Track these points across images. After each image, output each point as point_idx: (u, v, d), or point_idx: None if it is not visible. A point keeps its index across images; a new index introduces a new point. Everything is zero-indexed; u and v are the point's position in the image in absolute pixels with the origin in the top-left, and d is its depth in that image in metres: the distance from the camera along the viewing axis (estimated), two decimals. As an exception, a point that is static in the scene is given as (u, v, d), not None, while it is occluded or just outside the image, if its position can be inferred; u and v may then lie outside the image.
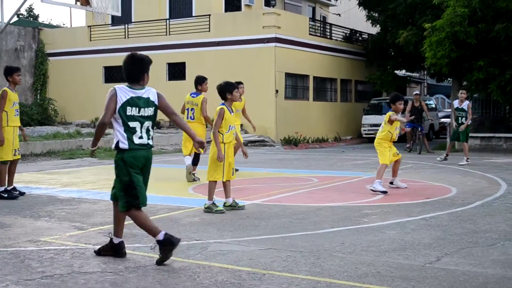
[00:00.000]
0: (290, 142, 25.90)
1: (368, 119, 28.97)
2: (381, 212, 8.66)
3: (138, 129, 5.87)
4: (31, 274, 5.49)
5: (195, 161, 12.68)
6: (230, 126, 8.92)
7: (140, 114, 5.88)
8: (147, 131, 5.97)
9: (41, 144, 20.28)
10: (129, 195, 5.81)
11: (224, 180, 8.84)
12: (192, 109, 12.62)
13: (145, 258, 6.04)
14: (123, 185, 5.84)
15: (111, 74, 31.25)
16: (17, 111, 10.57)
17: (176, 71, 28.80)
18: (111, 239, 6.07)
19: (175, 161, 17.46)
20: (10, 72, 10.82)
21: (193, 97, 12.69)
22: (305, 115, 28.35)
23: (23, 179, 13.19)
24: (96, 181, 12.79)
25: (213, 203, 8.72)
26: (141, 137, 5.89)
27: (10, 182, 10.48)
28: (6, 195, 10.15)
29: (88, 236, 7.21)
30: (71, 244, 6.71)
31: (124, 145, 5.80)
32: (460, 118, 16.59)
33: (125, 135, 5.82)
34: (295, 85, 28.29)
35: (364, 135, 29.26)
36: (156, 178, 12.80)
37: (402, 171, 14.71)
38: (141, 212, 5.93)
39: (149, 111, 5.94)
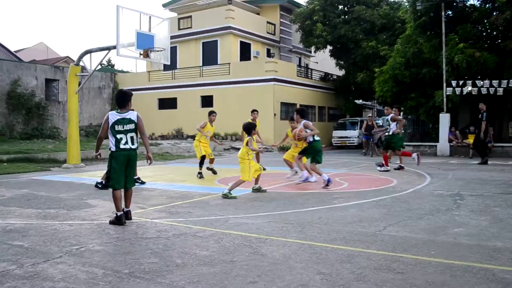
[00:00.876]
0: (284, 149, 25.79)
1: (336, 133, 28.86)
2: (346, 196, 8.66)
3: (123, 138, 6.32)
4: (110, 239, 5.54)
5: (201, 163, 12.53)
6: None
7: (124, 129, 6.34)
8: (132, 139, 6.38)
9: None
10: (108, 179, 6.43)
11: (250, 179, 8.97)
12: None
13: (186, 228, 6.07)
14: (107, 172, 6.45)
15: (163, 104, 31.36)
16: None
17: (207, 101, 28.83)
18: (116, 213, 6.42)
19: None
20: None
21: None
22: (294, 131, 28.34)
23: (99, 175, 13.22)
24: (152, 175, 12.83)
25: (229, 192, 8.65)
26: (125, 143, 6.33)
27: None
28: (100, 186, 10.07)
29: (147, 213, 7.24)
30: (136, 218, 6.73)
31: (113, 148, 6.31)
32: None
33: (113, 142, 6.32)
34: (287, 110, 28.28)
35: (334, 144, 29.18)
36: (191, 173, 12.91)
37: (361, 168, 14.73)
38: (116, 192, 6.36)
39: (130, 126, 6.38)
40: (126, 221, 6.38)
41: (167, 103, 30.98)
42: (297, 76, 29.83)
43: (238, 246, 5.13)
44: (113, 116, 6.35)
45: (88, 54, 16.11)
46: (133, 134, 6.39)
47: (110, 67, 53.18)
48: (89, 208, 7.73)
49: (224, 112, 24.44)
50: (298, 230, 5.86)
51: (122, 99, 6.56)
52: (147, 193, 9.55)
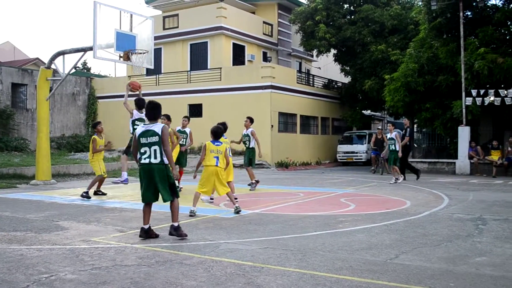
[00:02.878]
0: (282, 165, 25.88)
1: (342, 148, 28.97)
2: (352, 220, 8.64)
3: (147, 151, 6.79)
4: (84, 266, 5.48)
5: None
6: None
7: (148, 141, 6.78)
8: (155, 152, 6.77)
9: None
10: None
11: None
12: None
13: (171, 254, 6.03)
14: None
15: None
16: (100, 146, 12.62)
17: (195, 110, 28.83)
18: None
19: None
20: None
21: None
22: (294, 144, 28.39)
23: (77, 193, 13.17)
24: (133, 194, 12.77)
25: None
26: (148, 157, 6.79)
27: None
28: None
29: (128, 237, 7.19)
30: (114, 243, 6.69)
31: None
32: (390, 145, 16.21)
33: (138, 155, 6.91)
34: (286, 121, 28.37)
35: (339, 160, 29.24)
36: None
37: (369, 188, 14.74)
38: (144, 205, 7.04)
39: (154, 139, 6.77)
40: (112, 246, 6.39)
41: (150, 112, 31.03)
42: (297, 83, 29.94)
43: (231, 275, 5.10)
44: (140, 128, 6.93)
45: (61, 56, 16.12)
46: (157, 147, 6.75)
47: (85, 70, 53.23)
48: (60, 230, 7.67)
49: (214, 122, 24.40)
50: (299, 258, 5.83)
51: (154, 112, 6.98)
52: (127, 214, 9.49)
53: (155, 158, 6.73)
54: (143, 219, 7.00)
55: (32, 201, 11.14)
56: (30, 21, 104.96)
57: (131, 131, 12.26)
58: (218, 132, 9.26)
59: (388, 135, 16.56)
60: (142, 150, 6.79)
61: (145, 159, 6.75)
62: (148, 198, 6.91)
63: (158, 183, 6.76)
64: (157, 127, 6.80)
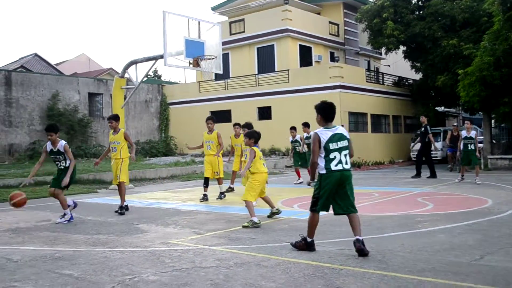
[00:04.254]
0: (355, 165, 25.48)
1: (415, 146, 28.18)
2: (431, 220, 8.39)
3: (337, 157, 6.16)
4: (165, 268, 5.61)
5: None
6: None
7: (339, 146, 6.18)
8: (346, 157, 6.20)
9: (166, 170, 20.78)
10: (314, 203, 6.28)
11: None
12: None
13: (249, 256, 6.06)
14: (313, 196, 6.33)
15: (215, 116, 31.72)
16: (114, 149, 10.47)
17: (264, 113, 28.96)
18: (306, 238, 6.37)
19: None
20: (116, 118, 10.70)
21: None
22: (365, 144, 27.91)
23: (154, 197, 13.55)
24: (208, 197, 12.95)
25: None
26: (339, 163, 6.15)
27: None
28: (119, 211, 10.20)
29: (205, 239, 7.30)
30: (193, 245, 6.81)
31: (322, 171, 6.16)
32: (469, 145, 15.22)
33: (323, 163, 6.16)
34: (356, 121, 27.96)
35: (413, 158, 28.45)
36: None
37: (447, 186, 14.27)
38: (316, 215, 6.30)
39: (343, 143, 6.21)
40: (190, 248, 6.44)
41: (220, 116, 31.28)
42: (366, 81, 29.45)
43: (309, 277, 5.06)
44: (324, 133, 6.23)
45: (133, 65, 16.66)
46: (347, 151, 6.24)
47: (157, 78, 54.78)
48: (140, 233, 7.90)
49: (283, 125, 24.43)
50: (378, 259, 5.71)
51: (330, 112, 6.54)
52: (203, 216, 9.66)
53: (346, 164, 6.18)
54: (310, 231, 6.34)
55: (112, 205, 11.50)
56: (102, 33, 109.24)
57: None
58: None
59: (465, 133, 15.54)
60: (331, 156, 6.13)
61: (336, 165, 6.11)
62: (327, 208, 6.23)
63: (348, 191, 6.19)
64: (342, 130, 6.32)
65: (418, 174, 17.81)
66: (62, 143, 9.13)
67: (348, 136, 6.26)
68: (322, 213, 6.23)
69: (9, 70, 29.45)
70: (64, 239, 7.55)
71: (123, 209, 10.29)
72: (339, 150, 6.14)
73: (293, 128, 16.47)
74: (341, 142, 6.18)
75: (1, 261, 6.17)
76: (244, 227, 8.11)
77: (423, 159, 18.13)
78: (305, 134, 15.73)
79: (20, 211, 10.32)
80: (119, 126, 10.57)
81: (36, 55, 45.00)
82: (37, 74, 30.39)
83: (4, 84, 26.85)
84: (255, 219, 8.17)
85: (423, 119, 18.73)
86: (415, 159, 19.98)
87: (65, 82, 29.82)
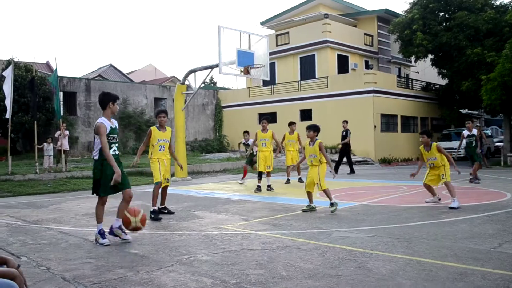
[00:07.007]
0: (385, 161, 25.08)
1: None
2: (454, 211, 8.16)
3: None
4: (216, 249, 5.66)
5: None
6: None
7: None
8: None
9: (219, 164, 21.01)
10: None
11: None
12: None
13: (290, 241, 6.05)
14: None
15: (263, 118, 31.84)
16: (162, 147, 8.45)
17: (306, 115, 28.81)
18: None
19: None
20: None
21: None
22: (395, 142, 27.39)
23: (208, 187, 13.71)
24: (248, 188, 12.99)
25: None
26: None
27: (162, 202, 8.60)
28: (153, 216, 7.98)
29: (252, 225, 7.33)
30: (241, 230, 6.86)
31: None
32: (471, 142, 13.97)
33: None
34: (388, 122, 27.46)
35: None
36: (293, 186, 12.94)
37: (468, 181, 13.79)
38: None
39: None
40: (239, 233, 6.50)
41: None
42: (397, 86, 28.86)
43: (343, 260, 5.01)
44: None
45: (193, 73, 16.88)
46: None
47: (212, 84, 55.28)
48: (196, 219, 8.01)
49: (323, 125, 24.25)
50: (405, 246, 5.60)
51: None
52: (251, 205, 9.70)
53: None
54: None
55: (172, 195, 11.68)
56: (167, 45, 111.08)
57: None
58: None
59: (467, 132, 14.19)
60: None
61: None
62: None
63: None
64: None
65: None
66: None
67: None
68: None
69: (89, 79, 30.36)
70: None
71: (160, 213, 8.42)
72: None
73: (246, 132, 15.80)
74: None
75: (79, 241, 6.40)
76: (332, 212, 8.19)
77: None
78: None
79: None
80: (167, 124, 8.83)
81: (111, 65, 46.21)
82: (111, 82, 31.25)
83: (85, 91, 27.74)
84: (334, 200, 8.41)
85: (345, 125, 18.51)
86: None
87: (135, 89, 30.52)
